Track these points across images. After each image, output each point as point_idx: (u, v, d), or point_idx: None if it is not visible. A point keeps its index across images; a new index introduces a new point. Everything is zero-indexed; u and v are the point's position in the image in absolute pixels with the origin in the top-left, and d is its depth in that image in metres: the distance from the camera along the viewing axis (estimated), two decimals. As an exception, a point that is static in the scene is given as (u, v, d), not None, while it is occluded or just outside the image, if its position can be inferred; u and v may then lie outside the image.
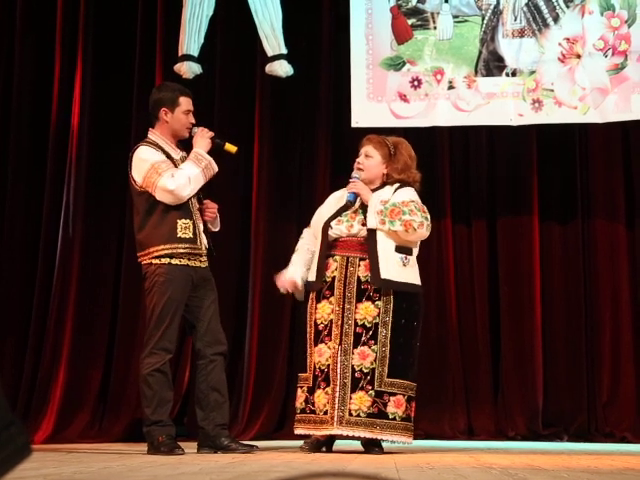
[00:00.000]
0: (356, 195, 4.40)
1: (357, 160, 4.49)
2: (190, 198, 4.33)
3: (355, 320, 4.24)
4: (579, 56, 5.77)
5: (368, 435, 4.18)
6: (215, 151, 4.45)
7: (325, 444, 4.37)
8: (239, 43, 6.21)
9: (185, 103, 4.41)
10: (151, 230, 4.31)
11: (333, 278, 4.32)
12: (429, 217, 4.37)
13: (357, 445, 4.43)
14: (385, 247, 4.27)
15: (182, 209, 4.30)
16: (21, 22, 6.14)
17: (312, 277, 4.39)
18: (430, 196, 6.18)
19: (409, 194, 4.42)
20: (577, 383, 5.94)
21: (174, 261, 4.28)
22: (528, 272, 6.04)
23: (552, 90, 5.79)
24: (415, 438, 5.74)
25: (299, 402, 4.35)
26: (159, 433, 4.21)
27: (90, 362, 5.86)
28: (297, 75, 6.03)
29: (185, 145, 4.52)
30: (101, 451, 4.58)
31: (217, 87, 6.19)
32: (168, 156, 4.37)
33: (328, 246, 4.37)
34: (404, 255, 4.32)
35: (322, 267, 4.34)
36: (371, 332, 4.23)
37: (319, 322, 4.32)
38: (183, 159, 4.40)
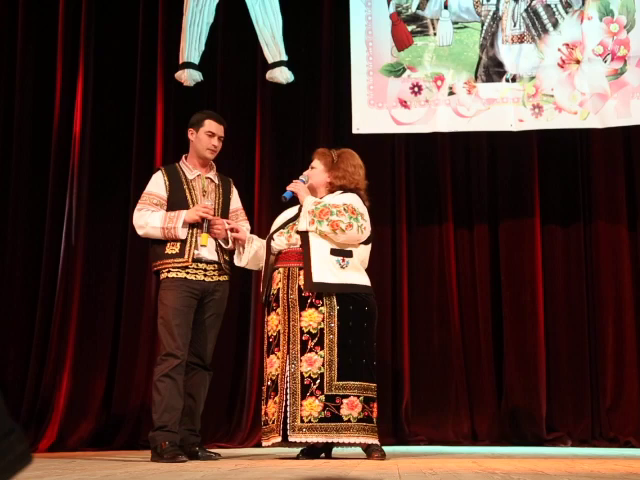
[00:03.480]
0: (293, 194, 4.48)
1: (300, 176, 4.59)
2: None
3: (300, 328, 4.27)
4: (578, 62, 5.79)
5: (322, 439, 4.18)
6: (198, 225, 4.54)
7: (322, 451, 4.38)
8: (240, 50, 6.23)
9: (209, 125, 4.63)
10: (152, 246, 4.61)
11: (278, 289, 4.36)
12: (361, 219, 4.34)
13: (359, 451, 4.43)
14: (318, 251, 4.29)
15: None
16: (23, 31, 6.17)
17: (261, 290, 4.50)
18: (432, 201, 6.23)
19: (346, 198, 4.43)
20: (581, 388, 5.93)
21: (171, 274, 4.48)
22: (530, 276, 6.04)
23: (552, 95, 5.80)
24: (418, 443, 5.80)
25: (262, 414, 4.41)
26: (162, 439, 4.24)
27: (93, 370, 5.86)
28: (298, 82, 6.05)
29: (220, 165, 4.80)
30: (104, 458, 4.58)
31: (218, 94, 6.20)
32: (180, 180, 4.57)
33: (274, 259, 4.43)
34: (341, 258, 4.31)
35: (267, 280, 4.42)
36: (317, 338, 4.24)
37: (269, 334, 4.39)
38: (198, 178, 4.62)
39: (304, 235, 4.32)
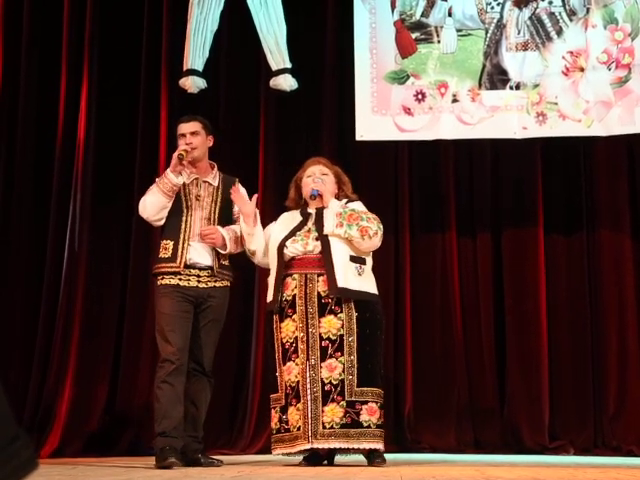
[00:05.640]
0: (319, 193, 4.49)
1: (315, 179, 4.57)
2: (186, 219, 4.50)
3: (320, 334, 4.30)
4: (583, 69, 5.78)
5: (343, 445, 4.22)
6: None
7: (325, 458, 4.38)
8: (243, 58, 6.23)
9: (179, 129, 4.67)
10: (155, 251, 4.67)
11: (293, 296, 4.38)
12: (382, 228, 4.47)
13: (361, 459, 4.43)
14: (340, 257, 4.34)
15: (168, 230, 4.54)
16: (27, 37, 6.18)
17: (270, 297, 4.46)
18: (434, 209, 6.23)
19: (361, 206, 4.54)
20: (583, 396, 5.92)
21: (165, 280, 4.48)
22: (533, 284, 6.03)
23: (556, 103, 5.80)
24: (421, 451, 5.79)
25: (274, 423, 4.40)
26: (162, 444, 4.25)
27: (96, 376, 5.86)
28: (301, 89, 6.06)
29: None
30: (107, 465, 4.58)
31: (221, 101, 6.21)
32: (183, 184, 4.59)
33: (285, 266, 4.43)
34: (358, 265, 4.39)
35: (279, 287, 4.41)
36: (337, 344, 4.28)
37: (285, 341, 4.38)
38: (195, 181, 4.61)
39: (325, 240, 4.36)
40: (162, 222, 4.53)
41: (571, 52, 5.82)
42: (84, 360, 5.84)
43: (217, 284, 4.54)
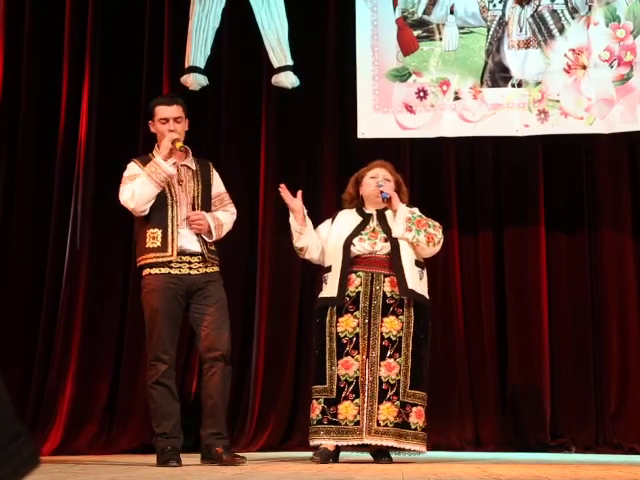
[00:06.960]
0: (389, 196, 4.59)
1: (379, 181, 4.64)
2: (172, 206, 4.35)
3: (381, 333, 4.40)
4: (585, 67, 5.78)
5: (395, 444, 4.33)
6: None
7: (332, 455, 4.38)
8: (245, 55, 6.23)
9: (159, 112, 4.42)
10: (135, 243, 4.54)
11: (357, 293, 4.45)
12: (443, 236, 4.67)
13: (364, 456, 4.42)
14: (408, 260, 4.47)
15: (153, 219, 4.35)
16: (28, 36, 6.17)
17: (333, 293, 4.48)
18: (436, 207, 6.21)
19: (418, 212, 4.65)
20: (585, 394, 5.92)
21: (154, 271, 4.33)
22: (535, 282, 6.02)
23: (558, 101, 5.80)
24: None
25: (315, 414, 4.43)
26: (163, 445, 4.23)
27: (97, 374, 5.86)
28: (303, 86, 6.05)
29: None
30: (109, 463, 4.58)
31: (223, 99, 6.21)
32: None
33: (349, 263, 4.50)
34: (420, 269, 4.55)
35: (344, 283, 4.47)
36: (396, 345, 4.39)
37: (342, 335, 4.43)
38: (173, 166, 4.39)
39: (394, 242, 4.48)
40: (147, 212, 4.33)
41: (573, 50, 5.81)
42: (85, 358, 5.83)
43: (208, 270, 4.39)
